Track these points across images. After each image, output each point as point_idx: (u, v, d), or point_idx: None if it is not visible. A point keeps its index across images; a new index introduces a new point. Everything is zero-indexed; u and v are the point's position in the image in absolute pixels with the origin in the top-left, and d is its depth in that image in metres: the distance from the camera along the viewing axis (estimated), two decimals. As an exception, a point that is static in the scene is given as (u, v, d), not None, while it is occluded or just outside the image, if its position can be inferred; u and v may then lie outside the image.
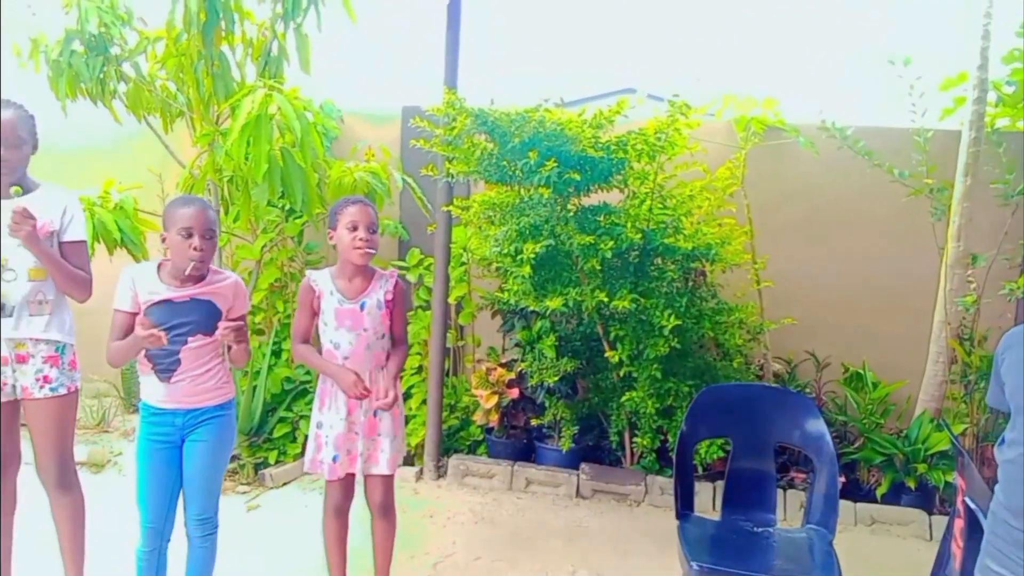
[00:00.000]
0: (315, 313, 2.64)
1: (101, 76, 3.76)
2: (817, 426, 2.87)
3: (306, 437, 4.14)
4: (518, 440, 4.28)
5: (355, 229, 2.53)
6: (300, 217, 4.24)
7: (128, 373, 4.96)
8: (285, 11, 3.65)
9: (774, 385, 4.08)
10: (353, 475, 2.70)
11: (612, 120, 3.60)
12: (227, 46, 3.72)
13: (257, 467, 4.02)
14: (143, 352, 2.37)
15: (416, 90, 4.67)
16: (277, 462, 4.11)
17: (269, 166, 3.36)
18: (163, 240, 2.39)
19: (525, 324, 4.17)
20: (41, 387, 2.54)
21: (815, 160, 4.31)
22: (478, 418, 4.25)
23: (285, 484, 4.00)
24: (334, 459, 2.62)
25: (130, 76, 3.88)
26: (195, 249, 2.33)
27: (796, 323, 4.18)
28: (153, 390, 2.43)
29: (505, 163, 3.68)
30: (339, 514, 2.76)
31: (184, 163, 3.95)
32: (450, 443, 4.39)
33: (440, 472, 4.19)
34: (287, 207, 4.17)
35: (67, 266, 2.52)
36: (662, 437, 4.00)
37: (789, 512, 3.80)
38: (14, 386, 2.53)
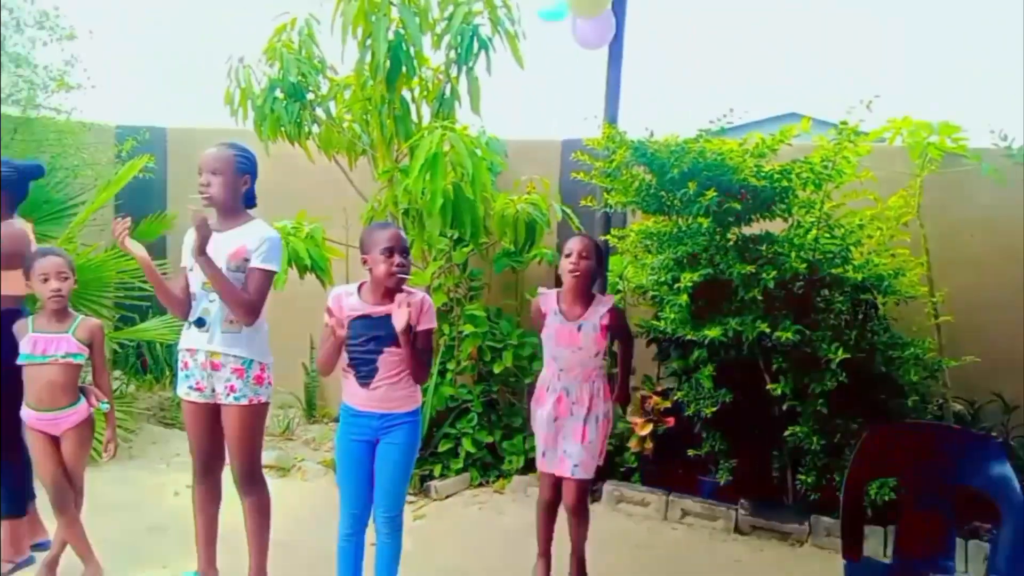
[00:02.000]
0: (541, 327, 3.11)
1: (298, 120, 4.22)
2: (1003, 471, 2.67)
3: (468, 453, 4.39)
4: (673, 470, 4.26)
5: (570, 255, 2.97)
6: (467, 246, 4.50)
7: (311, 387, 5.43)
8: (459, 56, 3.94)
9: (955, 426, 3.81)
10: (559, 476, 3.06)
11: (775, 149, 3.57)
12: (407, 90, 4.07)
13: (423, 479, 4.27)
14: (347, 361, 2.66)
15: (574, 124, 4.83)
16: (441, 475, 4.34)
17: (444, 200, 3.63)
18: (364, 262, 2.67)
19: (681, 353, 4.17)
20: (228, 395, 2.88)
21: (999, 188, 4.03)
22: (632, 445, 4.28)
23: (448, 497, 4.23)
24: (543, 455, 3.06)
25: (322, 119, 4.33)
26: (397, 265, 2.61)
27: (979, 362, 3.89)
28: (353, 394, 2.73)
29: (663, 193, 3.74)
30: (547, 508, 3.16)
31: (366, 197, 4.33)
32: (603, 469, 4.44)
33: (594, 496, 4.25)
34: (455, 236, 4.45)
35: (232, 288, 2.80)
36: (828, 475, 3.84)
37: (972, 564, 3.52)
38: (212, 390, 2.90)
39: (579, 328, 3.00)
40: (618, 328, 3.10)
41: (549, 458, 3.08)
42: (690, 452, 4.12)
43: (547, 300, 3.08)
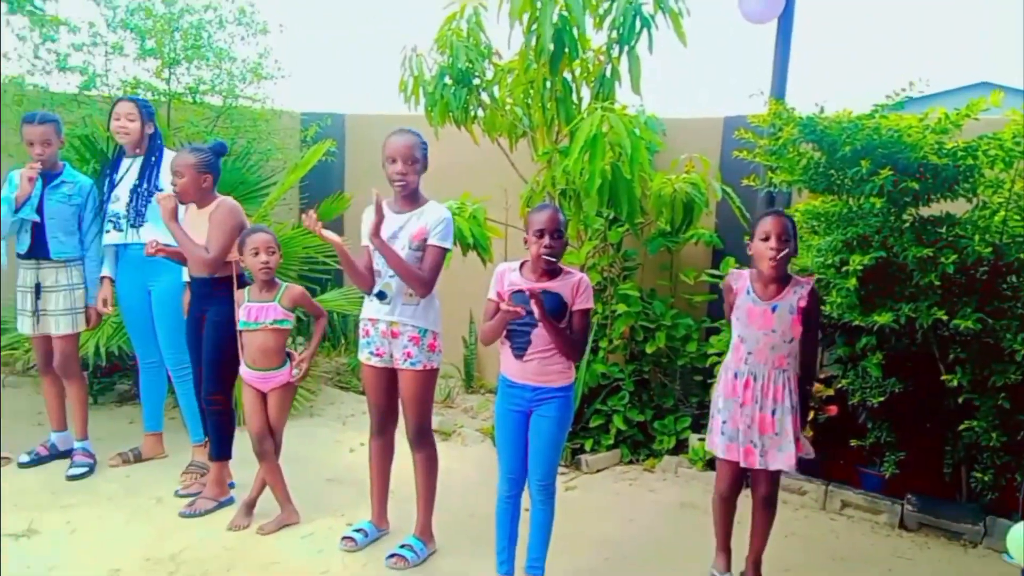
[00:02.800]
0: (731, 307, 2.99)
1: (464, 104, 4.43)
2: None
3: (619, 431, 4.47)
4: (833, 460, 4.11)
5: (767, 239, 2.80)
6: (622, 226, 4.55)
7: (469, 359, 5.71)
8: (620, 36, 3.97)
9: None
10: (741, 465, 2.97)
11: (959, 124, 3.33)
12: (568, 72, 4.15)
13: (574, 452, 4.40)
14: (504, 332, 2.83)
15: (738, 100, 4.71)
16: (592, 450, 4.45)
17: (601, 180, 3.70)
18: (525, 241, 2.82)
19: (847, 339, 4.00)
20: (404, 360, 3.14)
21: None
22: (790, 432, 4.17)
23: (599, 471, 4.33)
24: (724, 442, 2.97)
25: (486, 103, 4.52)
26: (545, 247, 2.73)
27: None
28: (509, 365, 2.88)
29: (833, 172, 3.60)
30: (725, 498, 3.10)
31: (526, 178, 4.48)
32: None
33: (747, 483, 4.20)
34: (610, 216, 4.50)
35: (405, 265, 3.04)
36: (1008, 475, 3.57)
37: None
38: (391, 355, 3.17)
39: (773, 309, 2.85)
40: (813, 312, 2.90)
41: (731, 446, 2.96)
42: (853, 442, 3.96)
43: (739, 278, 2.95)
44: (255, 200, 5.13)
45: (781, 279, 2.87)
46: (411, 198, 3.13)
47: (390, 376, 3.23)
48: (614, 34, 4.01)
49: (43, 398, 4.20)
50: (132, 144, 3.86)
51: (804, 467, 4.15)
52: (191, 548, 3.31)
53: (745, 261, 4.50)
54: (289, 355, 3.47)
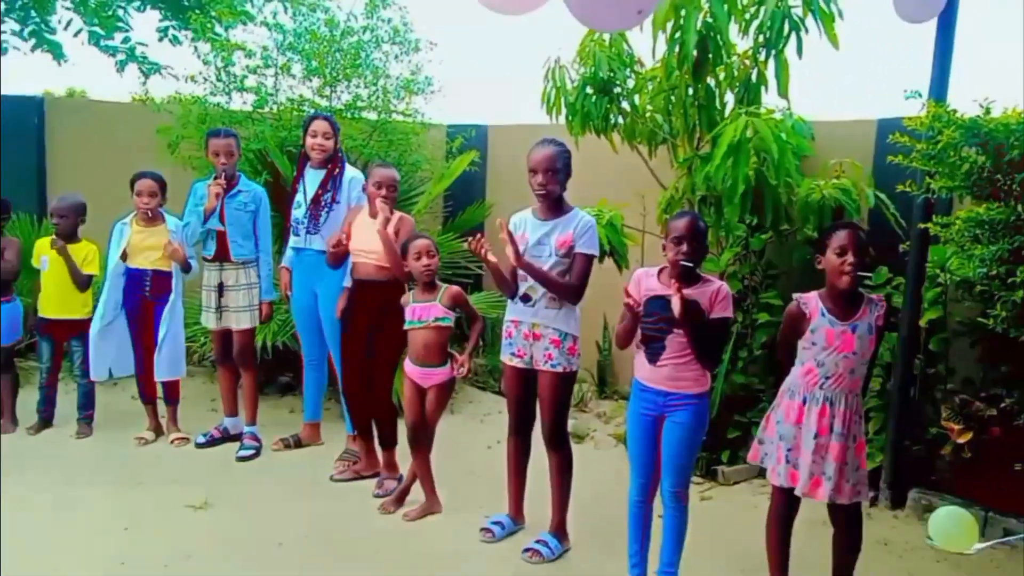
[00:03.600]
0: (798, 334, 2.79)
1: (605, 113, 4.50)
2: None
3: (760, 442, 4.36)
4: (995, 484, 3.82)
5: (844, 253, 2.64)
6: (766, 233, 4.45)
7: (603, 364, 5.75)
8: (768, 40, 3.90)
9: None
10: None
11: None
12: (711, 78, 4.13)
13: (710, 464, 4.34)
14: (639, 337, 2.88)
15: (893, 103, 4.48)
16: (729, 462, 4.38)
17: (744, 187, 3.65)
18: (663, 248, 2.86)
19: (1014, 356, 3.71)
20: (545, 362, 3.24)
21: None
22: (946, 453, 3.92)
23: (736, 483, 4.25)
24: (788, 469, 2.77)
25: (626, 111, 4.57)
26: (682, 253, 2.76)
27: None
28: (643, 370, 2.93)
29: (999, 177, 3.37)
30: (780, 522, 2.90)
31: (664, 185, 4.49)
32: (910, 475, 4.12)
33: (896, 502, 3.99)
34: (753, 223, 4.42)
35: (553, 280, 3.17)
36: None
37: None
38: (531, 357, 3.28)
39: (853, 330, 2.67)
40: (884, 327, 2.74)
41: (795, 473, 2.76)
42: (1017, 466, 3.67)
43: (809, 301, 2.76)
44: (404, 208, 5.40)
45: (855, 296, 2.70)
46: (555, 207, 3.25)
47: (530, 377, 3.36)
48: (761, 38, 3.95)
49: (218, 386, 4.67)
50: (324, 159, 4.21)
51: (962, 492, 3.89)
52: (344, 528, 3.58)
53: (899, 269, 4.29)
54: (451, 355, 3.68)
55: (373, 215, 3.84)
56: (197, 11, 5.82)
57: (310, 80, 5.62)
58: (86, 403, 4.66)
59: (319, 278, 4.21)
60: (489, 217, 6.09)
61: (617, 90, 4.51)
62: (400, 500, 3.77)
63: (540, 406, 3.36)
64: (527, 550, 3.33)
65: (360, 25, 5.64)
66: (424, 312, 3.60)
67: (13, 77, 7.42)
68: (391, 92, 5.67)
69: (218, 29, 5.61)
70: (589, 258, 3.23)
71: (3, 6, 6.14)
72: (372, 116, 5.80)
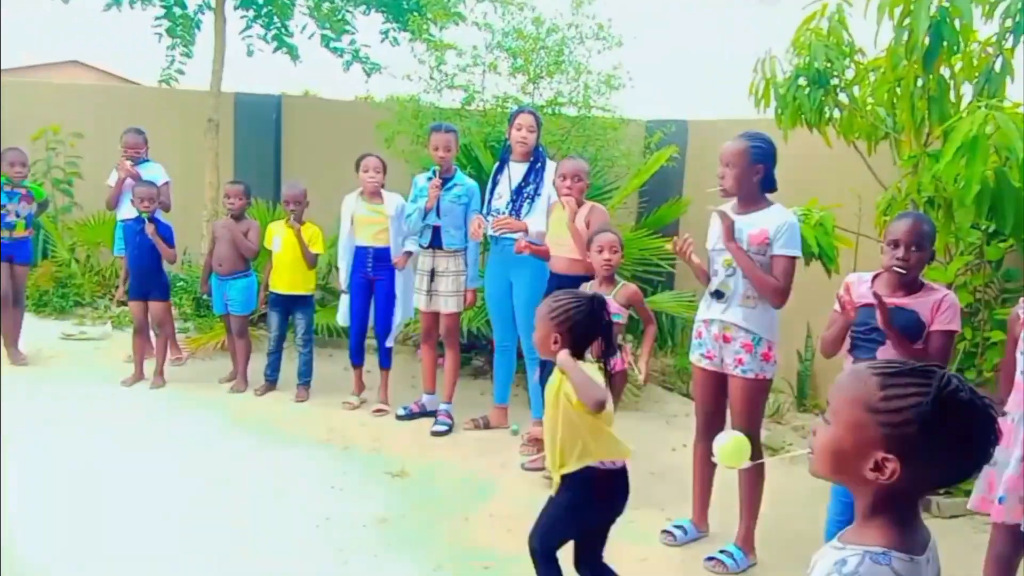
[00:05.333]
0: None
1: (819, 106, 4.23)
2: None
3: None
4: None
5: None
6: (1005, 241, 3.96)
7: (804, 375, 5.42)
8: (1016, 25, 3.47)
9: None
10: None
11: None
12: (945, 68, 3.74)
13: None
14: (848, 346, 2.69)
15: None
16: (946, 492, 3.95)
17: (980, 188, 3.27)
18: (882, 251, 2.65)
19: None
20: (735, 366, 3.11)
21: None
22: None
23: (953, 517, 3.84)
24: (1000, 500, 2.48)
25: (844, 104, 4.26)
26: (896, 258, 2.53)
27: None
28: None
29: None
30: (1001, 561, 2.59)
31: (885, 184, 4.13)
32: None
33: None
34: (989, 229, 3.95)
35: (760, 272, 3.01)
36: None
37: None
38: (721, 359, 3.16)
39: None
40: None
41: (1010, 505, 2.47)
42: None
43: None
44: (599, 203, 5.44)
45: None
46: (748, 201, 3.12)
47: (719, 380, 3.24)
48: (1008, 23, 3.52)
49: (421, 364, 4.97)
50: (527, 152, 4.36)
51: None
52: (527, 510, 3.66)
53: None
54: (619, 347, 3.66)
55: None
56: (415, 13, 6.19)
57: (515, 77, 5.80)
58: (305, 371, 5.16)
59: (515, 267, 4.34)
60: (685, 214, 5.94)
61: (834, 81, 4.22)
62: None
63: (731, 412, 3.24)
64: (710, 559, 3.22)
65: (565, 22, 5.72)
66: None
67: (256, 77, 8.33)
68: (592, 88, 5.70)
69: (432, 30, 5.93)
70: (790, 259, 3.06)
71: (251, 13, 6.92)
72: (572, 112, 5.87)
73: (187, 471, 3.92)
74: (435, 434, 4.59)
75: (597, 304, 2.47)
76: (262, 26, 7.11)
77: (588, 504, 2.58)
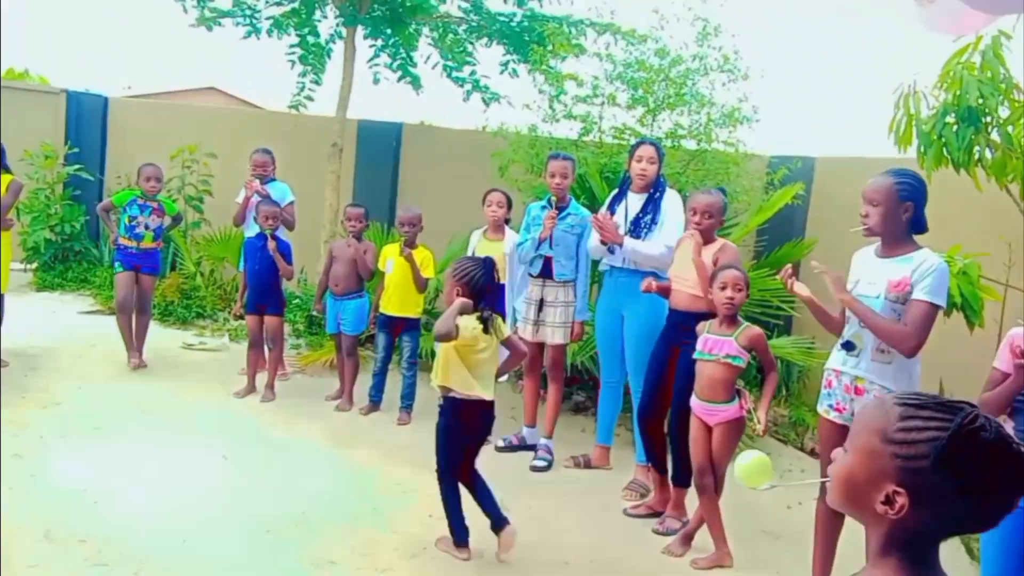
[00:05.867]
0: None
1: (968, 145, 3.90)
2: None
3: None
4: None
5: None
6: None
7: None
8: None
9: None
10: None
11: None
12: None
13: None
14: (1008, 408, 2.41)
15: None
16: None
17: None
18: None
19: None
20: None
21: None
22: None
23: None
24: None
25: (997, 143, 3.91)
26: None
27: None
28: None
29: None
30: None
31: (1045, 232, 3.76)
32: None
33: None
34: None
35: (880, 320, 2.78)
36: None
37: None
38: (851, 414, 2.91)
39: None
40: None
41: None
42: None
43: None
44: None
45: None
46: (892, 243, 2.88)
47: (842, 434, 2.98)
48: None
49: (522, 395, 4.89)
50: (646, 184, 4.25)
51: None
52: (627, 559, 3.49)
53: None
54: (739, 392, 3.45)
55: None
56: (537, 44, 6.22)
57: (634, 109, 5.70)
58: (408, 394, 5.17)
59: (628, 301, 4.20)
60: (808, 255, 5.63)
61: (987, 119, 3.88)
62: (685, 543, 3.58)
63: None
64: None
65: (690, 53, 5.60)
66: (717, 346, 3.40)
67: (375, 105, 8.60)
68: (714, 121, 5.53)
69: (552, 61, 5.94)
70: (930, 306, 2.79)
71: (379, 42, 7.17)
72: (691, 145, 5.71)
73: (287, 486, 3.97)
74: (534, 469, 4.47)
75: (487, 266, 3.33)
76: (388, 55, 7.35)
77: (455, 427, 3.41)
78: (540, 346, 4.62)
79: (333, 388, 5.49)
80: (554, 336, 4.55)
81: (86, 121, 8.69)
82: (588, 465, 4.57)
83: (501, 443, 4.76)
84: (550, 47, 5.99)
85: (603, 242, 4.16)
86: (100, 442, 4.26)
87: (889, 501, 1.07)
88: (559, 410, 4.71)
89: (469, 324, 3.25)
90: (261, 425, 4.83)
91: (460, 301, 3.23)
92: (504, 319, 3.97)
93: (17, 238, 7.40)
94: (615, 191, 4.50)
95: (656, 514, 3.94)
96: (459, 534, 3.38)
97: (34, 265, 7.99)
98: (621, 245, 4.09)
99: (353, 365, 5.33)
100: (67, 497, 3.57)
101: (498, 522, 3.38)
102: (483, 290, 3.28)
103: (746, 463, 1.70)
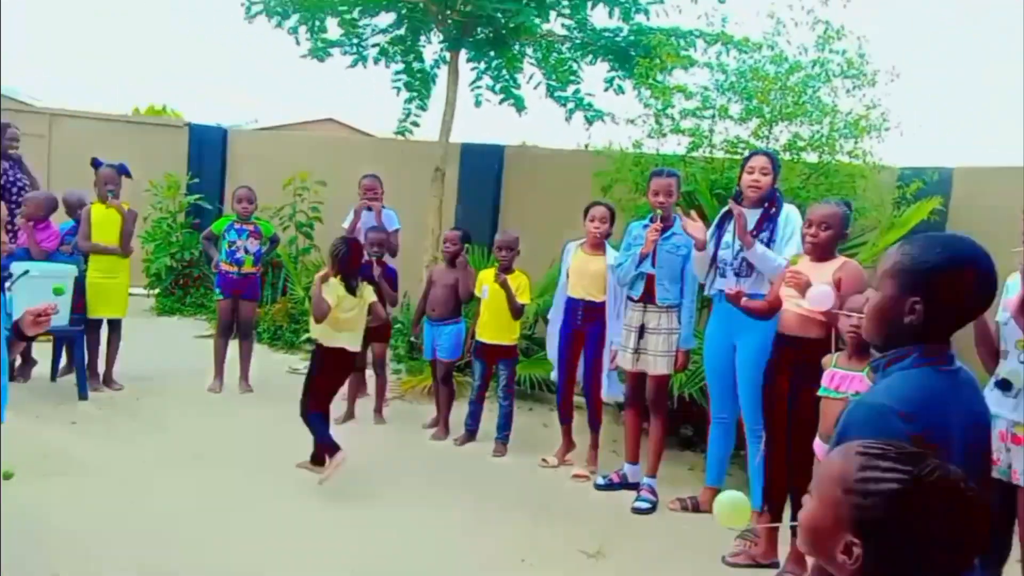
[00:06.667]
0: None
1: None
2: None
3: None
4: None
5: None
6: None
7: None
8: None
9: None
10: None
11: None
12: None
13: None
14: None
15: None
16: None
17: None
18: None
19: None
20: None
21: None
22: None
23: None
24: None
25: None
26: None
27: None
28: None
29: None
30: None
31: None
32: None
33: None
34: None
35: None
36: None
37: None
38: (1008, 465, 2.45)
39: None
40: None
41: None
42: None
43: None
44: (843, 260, 4.75)
45: None
46: None
47: (1004, 493, 2.52)
48: None
49: (624, 429, 4.56)
50: (759, 198, 3.89)
51: None
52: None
53: None
54: None
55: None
56: (643, 57, 5.93)
57: (747, 121, 5.31)
58: (505, 424, 4.96)
59: (741, 329, 3.81)
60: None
61: None
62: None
63: (1019, 531, 2.50)
64: None
65: (809, 59, 5.16)
66: (845, 382, 2.96)
67: (479, 127, 8.58)
68: (837, 131, 5.05)
69: (659, 75, 5.64)
70: None
71: (482, 65, 7.10)
72: (812, 158, 5.25)
73: (375, 519, 3.83)
74: (636, 511, 4.13)
75: (350, 244, 4.28)
76: (491, 77, 7.27)
77: (317, 370, 4.26)
78: (641, 376, 4.29)
79: (430, 416, 5.36)
80: (656, 366, 4.22)
81: (207, 152, 9.13)
82: (696, 509, 4.17)
83: (601, 481, 4.45)
84: (657, 60, 5.69)
85: (701, 247, 3.83)
86: (199, 468, 4.28)
87: (848, 551, 1.08)
88: (663, 446, 4.35)
89: (335, 291, 4.10)
90: (356, 454, 4.73)
91: (320, 274, 4.16)
92: (378, 289, 4.64)
93: (141, 265, 7.82)
94: (726, 208, 4.14)
95: (758, 565, 3.52)
96: (330, 451, 4.06)
97: (156, 291, 8.39)
98: (750, 246, 3.71)
99: (448, 393, 5.18)
100: (159, 525, 3.56)
101: (332, 448, 4.05)
102: (350, 263, 4.18)
103: (723, 502, 1.65)
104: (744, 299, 3.51)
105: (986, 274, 1.48)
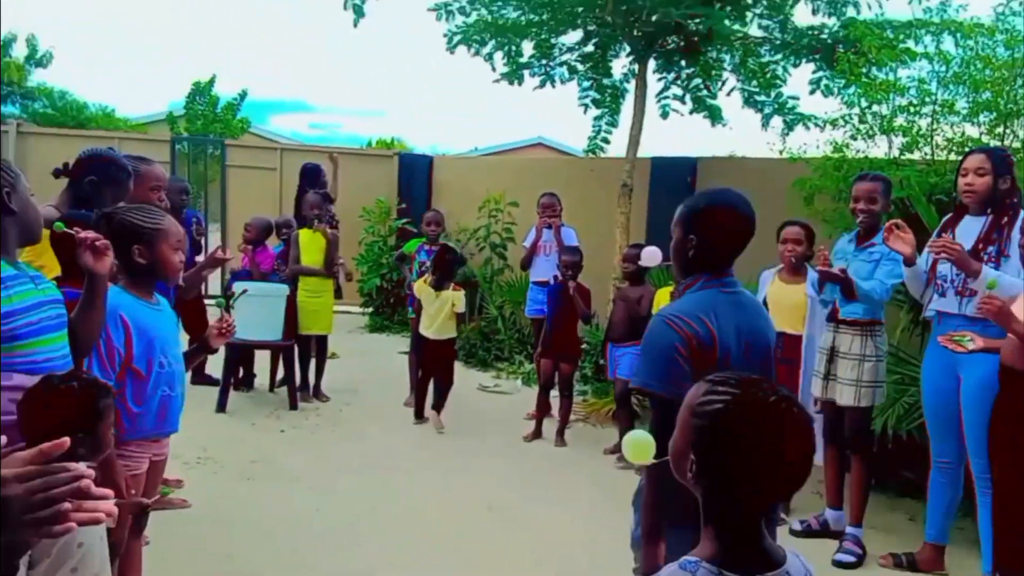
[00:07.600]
0: None
1: None
2: None
3: None
4: None
5: None
6: None
7: None
8: None
9: None
10: None
11: None
12: None
13: None
14: None
15: None
16: None
17: None
18: None
19: None
20: None
21: None
22: None
23: None
24: None
25: None
26: None
27: None
28: None
29: None
30: None
31: None
32: None
33: None
34: None
35: None
36: None
37: None
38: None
39: None
40: None
41: None
42: None
43: None
44: None
45: None
46: None
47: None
48: None
49: (823, 468, 4.06)
50: (978, 201, 3.33)
51: None
52: None
53: None
54: None
55: None
56: (850, 52, 5.34)
57: (977, 116, 4.57)
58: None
59: (966, 357, 3.22)
60: None
61: None
62: None
63: None
64: None
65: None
66: None
67: (665, 140, 8.26)
68: None
69: (864, 70, 5.04)
70: None
71: (671, 75, 6.82)
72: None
73: (542, 546, 3.71)
74: (838, 564, 3.62)
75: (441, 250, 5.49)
76: (680, 87, 6.98)
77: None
78: (837, 407, 3.79)
79: (613, 440, 5.17)
80: (843, 396, 3.70)
81: (415, 179, 9.68)
82: (913, 567, 3.58)
83: (798, 526, 3.98)
84: (869, 53, 5.10)
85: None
86: (387, 477, 4.45)
87: (692, 467, 1.21)
88: (867, 490, 3.79)
89: (423, 289, 5.39)
90: (533, 475, 4.68)
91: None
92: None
93: (356, 285, 8.43)
94: (949, 215, 3.56)
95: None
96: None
97: (369, 309, 9.01)
98: (977, 273, 3.15)
99: (626, 416, 4.96)
100: (337, 532, 3.72)
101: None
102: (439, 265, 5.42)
103: (631, 440, 1.62)
104: (980, 342, 2.96)
105: (734, 211, 1.96)
